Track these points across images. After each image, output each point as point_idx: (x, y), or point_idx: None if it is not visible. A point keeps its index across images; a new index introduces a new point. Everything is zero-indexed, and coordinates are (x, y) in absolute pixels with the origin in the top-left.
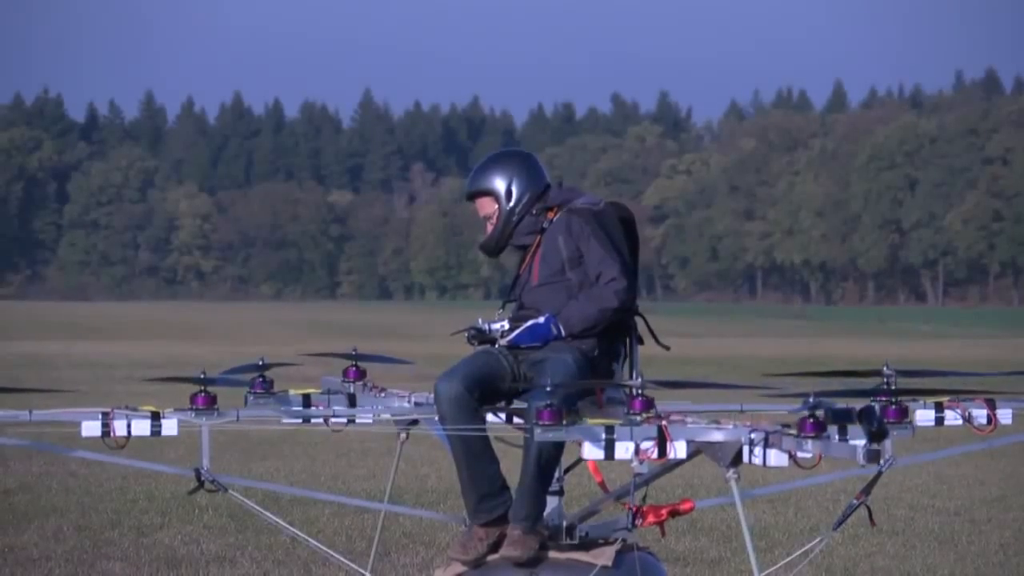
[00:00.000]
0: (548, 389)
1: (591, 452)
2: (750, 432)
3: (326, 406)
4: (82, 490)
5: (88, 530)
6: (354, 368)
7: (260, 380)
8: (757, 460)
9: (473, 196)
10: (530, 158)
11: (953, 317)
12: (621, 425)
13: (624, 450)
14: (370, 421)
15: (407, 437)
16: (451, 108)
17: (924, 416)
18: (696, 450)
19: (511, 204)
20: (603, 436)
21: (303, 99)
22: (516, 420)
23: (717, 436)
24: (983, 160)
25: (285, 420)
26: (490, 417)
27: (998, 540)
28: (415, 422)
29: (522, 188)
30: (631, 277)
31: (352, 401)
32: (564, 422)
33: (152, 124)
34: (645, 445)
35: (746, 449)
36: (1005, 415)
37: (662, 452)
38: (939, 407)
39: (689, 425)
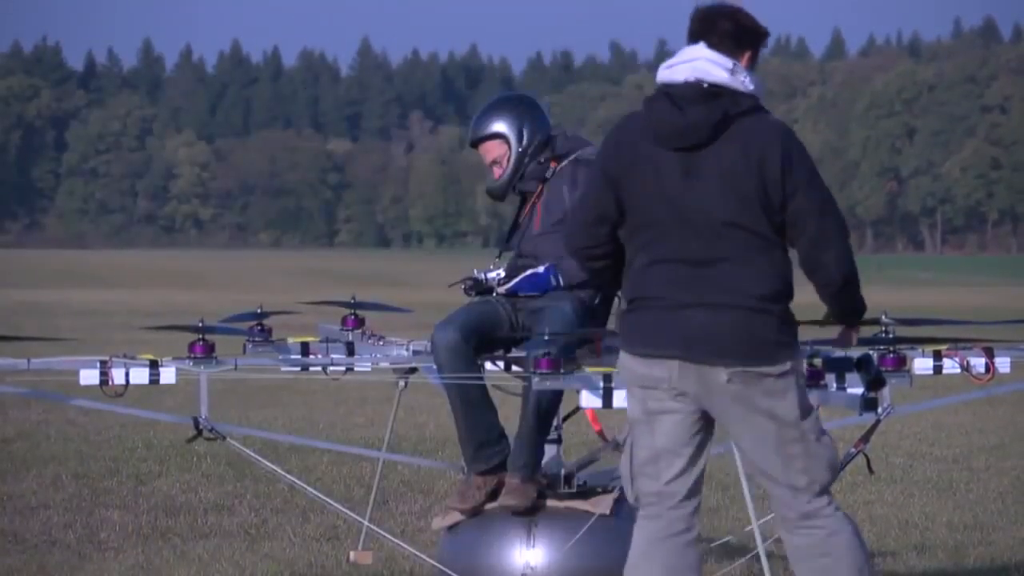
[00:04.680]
0: (546, 338)
1: (589, 400)
2: None
3: (324, 354)
4: (80, 438)
5: (86, 478)
6: (353, 316)
7: (258, 328)
8: None
9: (481, 140)
10: (536, 102)
11: (951, 265)
12: (619, 373)
13: (622, 399)
14: (368, 369)
15: (405, 385)
16: (449, 56)
17: (922, 364)
18: None
19: (523, 146)
20: (601, 385)
21: (301, 47)
22: (514, 368)
23: None
24: (981, 108)
25: (284, 368)
26: (488, 365)
27: (996, 488)
28: (413, 370)
29: (532, 130)
30: None
31: (350, 349)
32: (562, 371)
33: (150, 72)
34: None
35: None
36: (1003, 363)
37: None
38: (937, 355)
39: None
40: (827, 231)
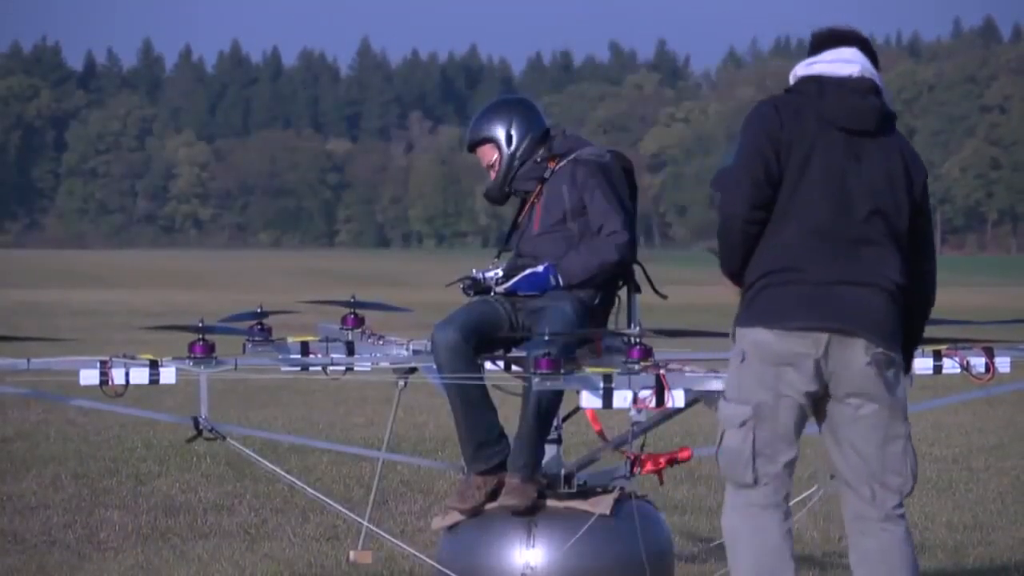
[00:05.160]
0: (546, 338)
1: (589, 401)
2: None
3: (324, 354)
4: (80, 438)
5: (86, 478)
6: (352, 316)
7: (258, 328)
8: None
9: (474, 146)
10: (527, 103)
11: (951, 265)
12: (619, 374)
13: (622, 399)
14: (368, 369)
15: (405, 385)
16: (449, 57)
17: (922, 364)
18: (694, 399)
19: (511, 149)
20: (601, 385)
21: (301, 47)
22: (514, 368)
23: (715, 385)
24: (981, 108)
25: (283, 369)
26: (488, 365)
27: (996, 488)
28: (413, 370)
29: (521, 132)
30: (633, 232)
31: (350, 349)
32: (562, 371)
33: (150, 73)
34: (643, 394)
35: None
36: (1003, 363)
37: (660, 401)
38: (937, 355)
39: (687, 374)
40: (932, 250)
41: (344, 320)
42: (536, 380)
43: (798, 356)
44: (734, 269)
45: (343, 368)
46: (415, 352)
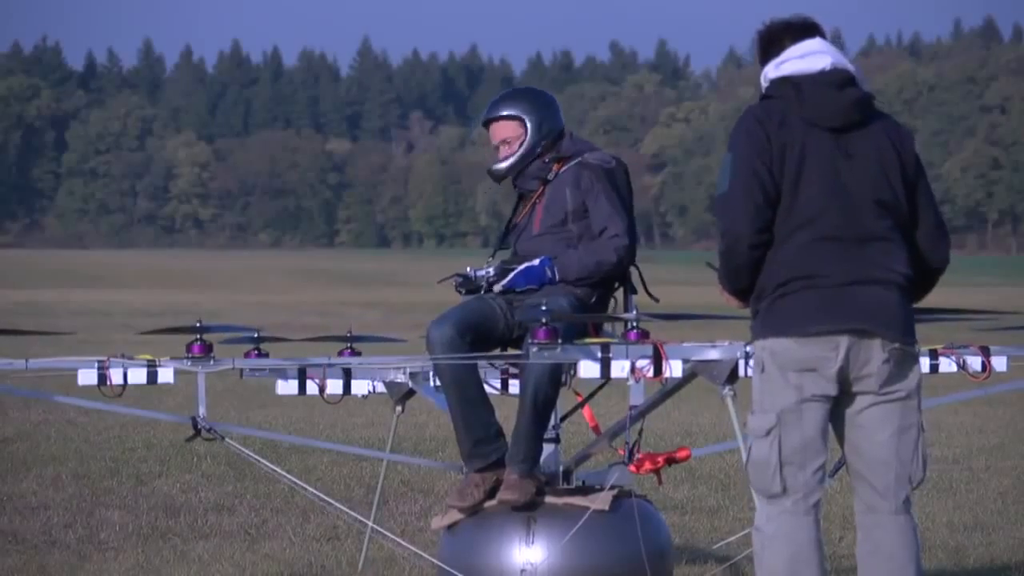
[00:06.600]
0: (544, 321)
1: (587, 370)
2: (745, 346)
3: (321, 378)
4: (80, 438)
5: (86, 478)
6: (349, 350)
7: (255, 352)
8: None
9: (497, 119)
10: (556, 101)
11: (951, 265)
12: (617, 343)
13: (620, 368)
14: (364, 395)
15: (403, 410)
16: (449, 56)
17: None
18: (691, 372)
19: (539, 136)
20: (599, 354)
21: (301, 47)
22: (511, 369)
23: (712, 354)
24: (981, 108)
25: (280, 392)
26: (488, 388)
27: (996, 488)
28: (411, 394)
29: (551, 125)
30: (634, 237)
31: (347, 373)
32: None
33: (150, 73)
34: (641, 363)
35: (741, 363)
36: (1000, 362)
37: (658, 370)
38: (934, 354)
39: (684, 345)
40: (942, 222)
41: (341, 355)
42: (534, 351)
43: (819, 360)
44: (740, 287)
45: (340, 393)
46: (412, 375)
